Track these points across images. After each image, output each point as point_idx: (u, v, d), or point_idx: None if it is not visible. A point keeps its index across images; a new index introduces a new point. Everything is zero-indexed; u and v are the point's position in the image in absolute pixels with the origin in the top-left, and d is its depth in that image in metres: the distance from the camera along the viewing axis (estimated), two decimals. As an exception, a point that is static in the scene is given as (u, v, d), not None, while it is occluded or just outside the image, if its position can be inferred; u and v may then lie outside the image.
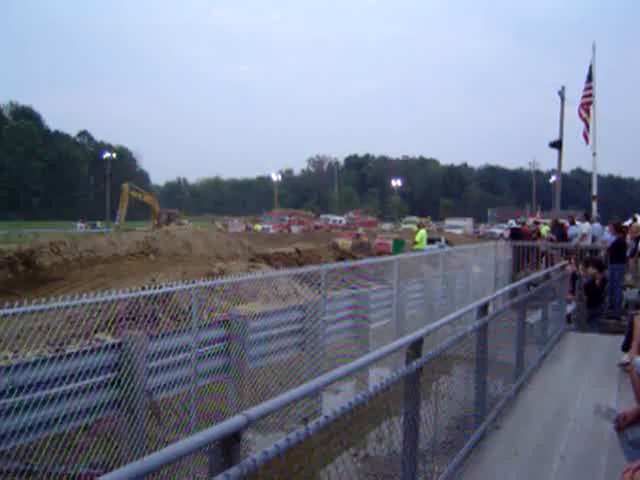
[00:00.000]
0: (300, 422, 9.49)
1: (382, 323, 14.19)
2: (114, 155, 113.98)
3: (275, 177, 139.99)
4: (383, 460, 6.61)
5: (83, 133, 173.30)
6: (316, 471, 8.20)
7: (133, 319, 10.33)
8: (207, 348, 9.09)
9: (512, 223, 30.66)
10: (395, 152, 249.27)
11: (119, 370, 7.80)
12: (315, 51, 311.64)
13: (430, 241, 46.53)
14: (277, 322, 10.76)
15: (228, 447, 2.73)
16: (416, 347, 5.00)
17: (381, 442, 6.76)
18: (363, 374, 10.44)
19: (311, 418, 9.67)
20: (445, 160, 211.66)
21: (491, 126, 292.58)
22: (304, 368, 11.06)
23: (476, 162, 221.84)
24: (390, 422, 5.69)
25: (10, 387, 6.45)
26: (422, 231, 25.93)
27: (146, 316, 9.84)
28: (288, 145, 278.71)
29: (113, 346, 7.91)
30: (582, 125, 29.71)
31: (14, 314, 6.34)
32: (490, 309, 8.14)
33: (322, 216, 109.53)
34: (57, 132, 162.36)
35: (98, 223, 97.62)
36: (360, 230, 70.19)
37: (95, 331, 10.75)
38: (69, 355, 7.35)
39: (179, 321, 10.39)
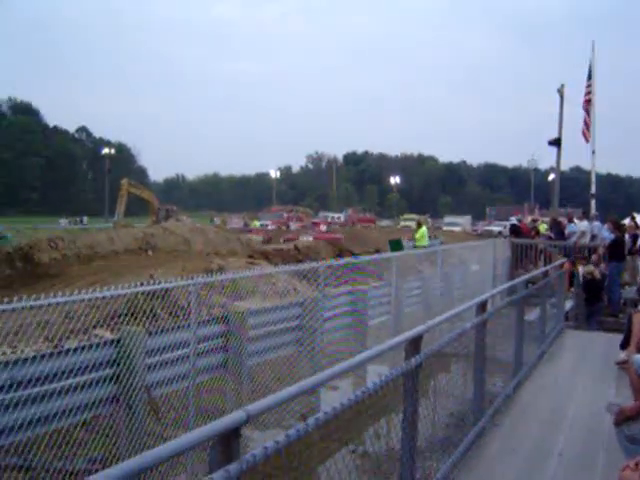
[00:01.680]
0: (298, 419, 9.49)
1: (380, 320, 14.20)
2: (113, 151, 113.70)
3: (274, 174, 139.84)
4: (381, 457, 6.61)
5: (82, 129, 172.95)
6: (315, 467, 8.23)
7: (132, 315, 10.33)
8: (205, 344, 9.09)
9: (513, 220, 30.67)
10: (394, 149, 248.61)
11: (118, 366, 7.79)
12: (314, 48, 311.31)
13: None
14: (275, 319, 10.76)
15: (228, 443, 2.73)
16: (415, 343, 5.01)
17: (379, 439, 6.76)
18: (361, 371, 10.46)
19: (309, 415, 9.67)
20: (444, 158, 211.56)
21: (490, 124, 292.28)
22: (302, 365, 11.07)
23: (475, 160, 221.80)
24: (388, 419, 5.70)
25: (9, 382, 6.45)
26: (423, 229, 25.85)
27: (145, 312, 9.82)
28: (287, 142, 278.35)
29: (112, 342, 7.91)
30: (581, 123, 29.75)
31: (13, 309, 6.33)
32: (489, 306, 8.15)
33: (320, 213, 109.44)
34: (56, 128, 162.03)
35: (85, 219, 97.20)
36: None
37: (94, 327, 10.74)
38: (67, 351, 7.35)
39: (178, 317, 10.40)
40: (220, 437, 2.71)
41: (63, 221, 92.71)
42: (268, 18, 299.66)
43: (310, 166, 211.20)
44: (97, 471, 6.50)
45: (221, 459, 2.71)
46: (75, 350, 7.42)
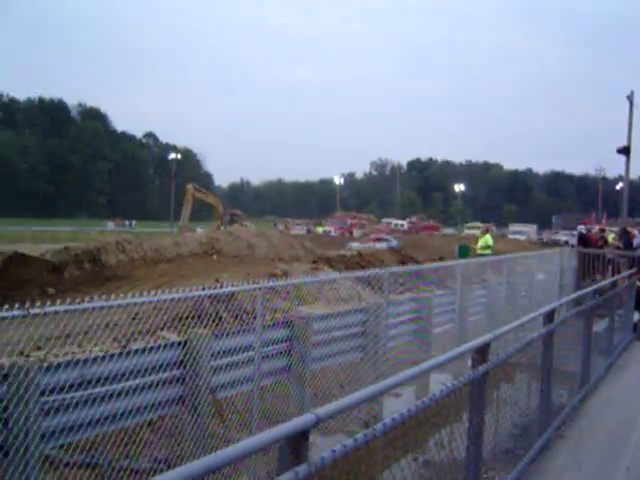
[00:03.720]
0: (360, 425, 9.49)
1: (444, 328, 14.10)
2: (179, 156, 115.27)
3: (337, 180, 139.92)
4: (444, 466, 6.56)
5: (149, 134, 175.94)
6: (377, 474, 8.20)
7: (198, 317, 10.44)
8: (270, 348, 9.14)
9: (581, 228, 30.23)
10: (458, 156, 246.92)
11: (184, 367, 7.89)
12: (376, 53, 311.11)
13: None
14: (339, 324, 10.76)
15: (297, 445, 2.75)
16: (482, 352, 4.97)
17: (442, 447, 6.71)
18: (424, 378, 10.40)
19: (371, 421, 9.66)
20: (509, 165, 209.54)
21: (557, 131, 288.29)
22: (366, 371, 11.05)
23: (541, 167, 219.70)
24: (451, 427, 5.66)
25: (79, 381, 6.58)
26: (487, 236, 25.60)
27: (210, 315, 9.92)
28: (351, 148, 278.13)
29: (179, 344, 8.00)
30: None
31: (84, 310, 6.47)
32: (555, 316, 8.04)
33: (384, 220, 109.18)
34: (123, 133, 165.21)
35: (133, 222, 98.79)
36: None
37: (162, 329, 10.89)
38: (135, 351, 7.46)
39: (243, 321, 10.49)
40: (289, 439, 2.74)
41: (111, 224, 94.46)
42: (329, 24, 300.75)
43: (374, 173, 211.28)
44: (161, 471, 6.58)
45: (290, 461, 2.73)
46: (143, 351, 7.53)
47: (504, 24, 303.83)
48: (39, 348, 9.03)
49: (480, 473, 5.17)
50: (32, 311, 5.90)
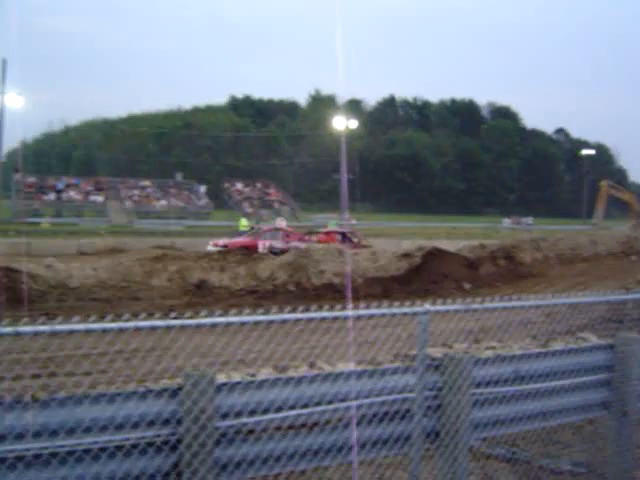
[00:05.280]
0: None
1: None
2: (592, 152, 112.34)
3: None
4: None
5: (560, 130, 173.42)
6: None
7: (620, 322, 10.16)
8: None
9: None
10: None
11: (613, 371, 7.68)
12: None
13: None
14: None
15: None
16: None
17: None
18: None
19: None
20: None
21: None
22: None
23: None
24: None
25: (513, 376, 6.73)
26: None
27: (634, 319, 9.60)
28: None
29: (607, 346, 7.82)
30: None
31: (504, 308, 6.63)
32: None
33: None
34: (533, 130, 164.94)
35: (529, 219, 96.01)
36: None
37: (582, 330, 10.75)
38: (560, 352, 7.44)
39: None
40: None
41: (506, 221, 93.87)
42: None
43: None
44: (581, 474, 6.49)
45: None
46: (567, 352, 7.48)
47: None
48: (477, 341, 9.48)
49: None
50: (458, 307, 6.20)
